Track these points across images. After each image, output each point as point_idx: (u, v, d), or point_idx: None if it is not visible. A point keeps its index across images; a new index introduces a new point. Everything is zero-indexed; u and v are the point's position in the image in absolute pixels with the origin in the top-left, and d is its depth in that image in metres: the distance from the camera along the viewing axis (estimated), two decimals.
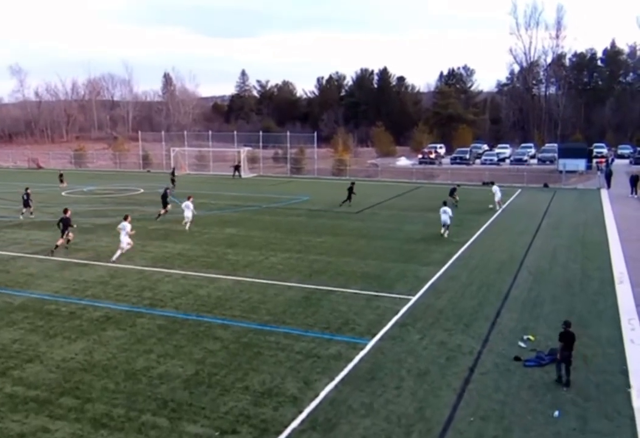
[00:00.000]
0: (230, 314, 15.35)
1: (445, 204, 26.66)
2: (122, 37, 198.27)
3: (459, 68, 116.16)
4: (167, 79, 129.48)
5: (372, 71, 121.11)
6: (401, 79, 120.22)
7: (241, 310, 15.69)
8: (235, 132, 60.96)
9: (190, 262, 21.02)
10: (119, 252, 21.13)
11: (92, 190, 43.14)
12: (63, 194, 40.33)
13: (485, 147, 79.72)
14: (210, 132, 62.32)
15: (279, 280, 18.56)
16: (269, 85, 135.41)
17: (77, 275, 19.11)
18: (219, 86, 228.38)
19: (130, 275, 19.17)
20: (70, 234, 23.00)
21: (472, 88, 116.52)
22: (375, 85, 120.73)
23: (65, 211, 23.34)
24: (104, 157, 76.05)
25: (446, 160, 68.08)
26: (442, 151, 74.18)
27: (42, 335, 13.84)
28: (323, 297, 16.84)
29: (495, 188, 34.88)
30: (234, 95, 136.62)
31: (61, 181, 44.46)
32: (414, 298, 16.71)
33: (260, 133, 61.12)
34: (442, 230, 25.61)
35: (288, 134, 59.76)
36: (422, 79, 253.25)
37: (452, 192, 34.28)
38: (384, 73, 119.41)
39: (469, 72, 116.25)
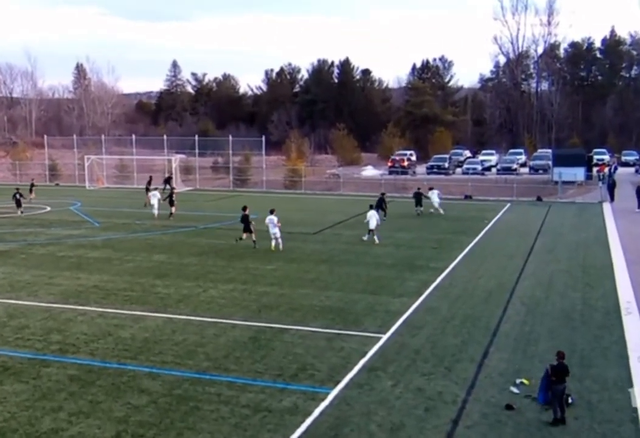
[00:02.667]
0: (160, 360, 15.14)
1: (372, 207, 30.88)
2: (23, 19, 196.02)
3: (434, 59, 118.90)
4: (80, 71, 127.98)
5: (332, 63, 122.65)
6: (366, 72, 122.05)
7: (174, 355, 15.50)
8: (165, 137, 60.76)
9: (110, 296, 20.70)
10: None
11: None
12: None
13: (467, 153, 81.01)
14: (134, 137, 61.96)
15: (220, 318, 18.41)
16: (207, 79, 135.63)
17: None
18: (145, 80, 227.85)
19: (34, 314, 18.73)
20: None
21: (451, 83, 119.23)
22: (336, 80, 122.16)
23: None
24: (1, 168, 74.56)
25: (421, 170, 68.83)
26: (414, 158, 75.05)
27: None
28: (274, 337, 16.78)
29: (434, 191, 40.11)
30: (163, 91, 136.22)
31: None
32: (385, 337, 16.77)
33: (196, 137, 60.97)
34: (367, 237, 29.66)
35: (230, 138, 59.80)
36: (391, 72, 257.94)
37: (381, 202, 36.36)
38: (345, 65, 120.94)
39: (447, 64, 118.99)
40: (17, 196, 39.34)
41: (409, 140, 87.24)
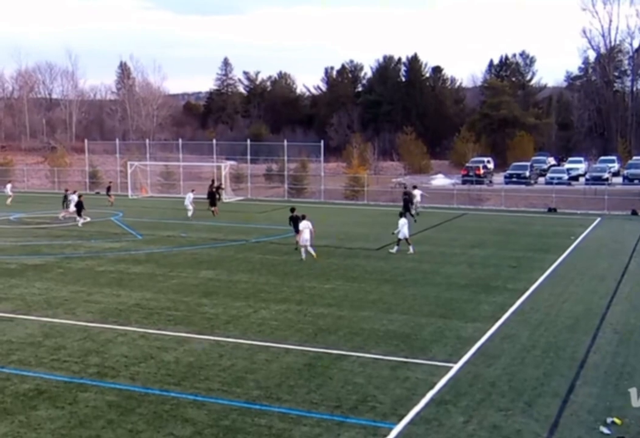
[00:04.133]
0: (205, 387, 15.27)
1: (402, 215, 31.63)
2: (64, 14, 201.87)
3: (514, 55, 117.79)
4: (124, 70, 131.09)
5: (399, 59, 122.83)
6: (437, 70, 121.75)
7: (221, 382, 15.62)
8: (214, 141, 61.54)
9: (152, 316, 21.01)
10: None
11: (21, 218, 43.45)
12: None
13: (552, 160, 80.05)
14: (180, 141, 62.93)
15: (272, 342, 18.45)
16: (260, 78, 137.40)
17: (0, 334, 19.12)
18: (193, 80, 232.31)
19: (71, 334, 19.13)
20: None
21: (533, 82, 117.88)
22: (403, 78, 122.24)
23: None
24: (38, 175, 76.78)
25: (499, 179, 68.26)
26: (490, 166, 74.49)
27: None
28: (332, 365, 16.75)
29: (417, 191, 44.49)
30: (213, 91, 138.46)
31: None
32: (456, 367, 16.58)
33: (248, 142, 61.61)
34: (396, 249, 30.57)
35: (285, 143, 60.32)
36: (465, 69, 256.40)
37: (407, 203, 40.48)
38: (413, 62, 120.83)
39: (528, 60, 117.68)
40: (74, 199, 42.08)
41: (484, 146, 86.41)
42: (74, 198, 42.14)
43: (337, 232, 37.41)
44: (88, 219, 41.48)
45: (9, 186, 54.82)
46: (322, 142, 59.71)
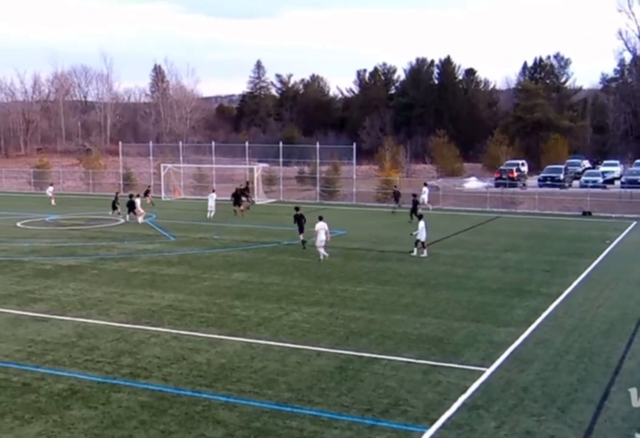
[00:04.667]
0: (237, 389, 15.33)
1: (421, 217, 31.44)
2: (99, 18, 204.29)
3: (548, 57, 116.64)
4: (158, 73, 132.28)
5: (431, 62, 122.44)
6: (470, 72, 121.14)
7: (252, 384, 15.66)
8: (246, 144, 61.77)
9: (185, 317, 21.14)
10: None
11: (56, 220, 43.98)
12: (19, 224, 41.18)
13: (586, 163, 79.23)
14: (213, 144, 63.28)
15: (303, 344, 18.49)
16: (293, 81, 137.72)
17: (35, 334, 19.33)
18: (226, 83, 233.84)
19: (104, 335, 19.31)
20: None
21: (568, 84, 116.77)
22: (436, 81, 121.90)
23: None
24: (73, 176, 77.73)
25: (532, 182, 67.77)
26: (524, 169, 73.98)
27: None
28: (364, 368, 16.73)
29: (425, 189, 49.45)
30: (245, 94, 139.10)
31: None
32: (488, 371, 16.48)
33: (281, 145, 61.77)
34: (416, 251, 30.62)
35: (317, 145, 60.36)
36: (499, 72, 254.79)
37: (415, 205, 42.86)
38: (446, 64, 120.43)
39: (563, 62, 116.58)
40: (131, 199, 44.48)
41: (518, 149, 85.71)
42: (137, 201, 43.59)
43: (369, 234, 37.36)
44: (122, 221, 42.37)
45: (50, 188, 55.99)
46: (354, 144, 59.65)
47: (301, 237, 32.73)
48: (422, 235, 30.59)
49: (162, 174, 58.40)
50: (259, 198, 55.10)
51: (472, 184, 70.77)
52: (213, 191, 46.98)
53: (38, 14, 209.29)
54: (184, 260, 30.29)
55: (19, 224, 41.38)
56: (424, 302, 23.14)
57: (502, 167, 69.90)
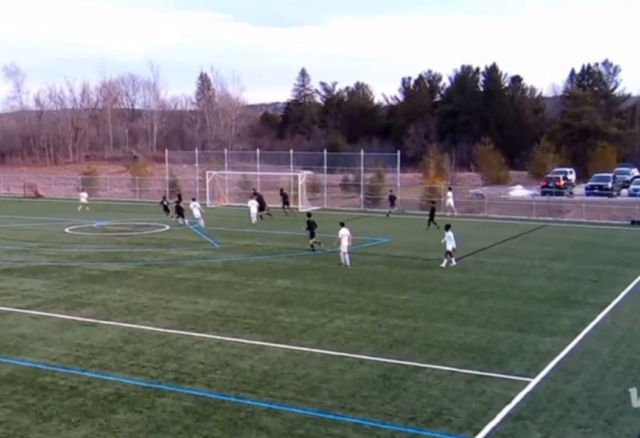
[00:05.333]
0: (280, 396, 15.37)
1: (448, 227, 30.67)
2: (146, 27, 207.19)
3: (596, 64, 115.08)
4: (204, 81, 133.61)
5: (477, 69, 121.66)
6: (516, 79, 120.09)
7: (295, 390, 15.69)
8: (291, 151, 61.96)
9: (229, 323, 21.29)
10: None
11: (103, 226, 44.62)
12: (67, 230, 41.86)
13: (636, 172, 77.97)
14: (258, 151, 63.58)
15: (346, 352, 18.48)
16: (337, 88, 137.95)
17: (82, 338, 19.64)
18: (271, 91, 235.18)
19: (150, 340, 19.54)
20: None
21: (616, 91, 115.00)
22: (481, 88, 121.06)
23: None
24: (120, 183, 78.73)
25: (579, 190, 66.95)
26: (572, 177, 73.14)
27: (33, 417, 14.21)
28: (407, 377, 16.67)
29: (450, 193, 51.25)
30: (290, 102, 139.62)
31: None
32: (533, 381, 16.31)
33: (325, 152, 61.84)
34: (445, 262, 30.15)
35: (362, 153, 60.29)
36: (546, 79, 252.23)
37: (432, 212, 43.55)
38: (492, 71, 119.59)
39: (612, 69, 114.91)
40: (164, 203, 48.22)
41: (565, 157, 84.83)
42: (196, 205, 45.21)
43: (414, 242, 37.22)
44: (181, 223, 44.63)
45: (85, 195, 57.04)
46: (398, 152, 59.45)
47: (311, 241, 34.09)
48: (449, 244, 30.25)
49: (208, 181, 58.82)
50: (303, 205, 55.13)
51: (518, 192, 70.19)
52: (252, 197, 47.88)
53: (87, 24, 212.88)
54: (228, 266, 30.50)
55: (67, 230, 42.08)
56: (468, 310, 22.98)
57: (548, 175, 69.27)
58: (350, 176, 68.60)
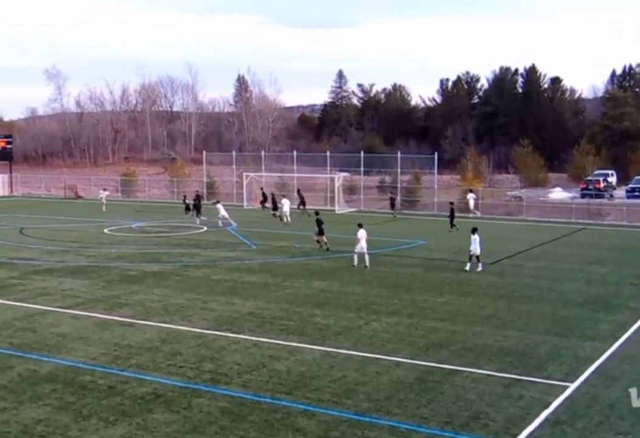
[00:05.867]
0: (316, 398, 15.37)
1: (475, 230, 30.11)
2: (184, 30, 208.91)
3: (638, 65, 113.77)
4: (242, 83, 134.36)
5: (516, 70, 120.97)
6: (555, 81, 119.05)
7: (331, 393, 15.68)
8: (328, 153, 61.97)
9: (265, 325, 21.34)
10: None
11: (142, 227, 45.02)
12: (106, 231, 42.34)
13: None
14: (295, 153, 63.66)
15: (383, 354, 18.43)
16: (374, 90, 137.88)
17: (120, 338, 19.84)
18: (308, 92, 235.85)
19: (187, 340, 19.67)
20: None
21: None
22: (520, 90, 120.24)
23: None
24: (159, 185, 79.43)
25: (620, 193, 66.11)
26: (613, 180, 72.25)
27: (72, 415, 14.38)
28: (444, 380, 16.58)
29: (470, 195, 52.51)
30: (327, 104, 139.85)
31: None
32: (572, 386, 16.11)
33: (362, 154, 61.63)
34: (469, 266, 29.67)
35: (399, 155, 60.07)
36: (586, 80, 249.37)
37: (452, 213, 43.61)
38: (531, 73, 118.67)
39: None
40: (186, 202, 49.93)
41: (605, 159, 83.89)
42: (220, 207, 45.39)
43: (451, 245, 36.98)
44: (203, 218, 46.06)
45: (105, 193, 57.45)
46: (435, 154, 59.12)
47: (316, 238, 35.14)
48: (475, 248, 29.75)
49: (245, 182, 59.08)
50: (340, 207, 55.17)
51: (557, 194, 69.57)
52: (284, 196, 49.34)
53: (127, 27, 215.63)
54: (264, 268, 30.59)
55: (106, 231, 42.55)
56: (506, 314, 22.79)
57: (588, 178, 68.57)
58: (387, 178, 68.47)
